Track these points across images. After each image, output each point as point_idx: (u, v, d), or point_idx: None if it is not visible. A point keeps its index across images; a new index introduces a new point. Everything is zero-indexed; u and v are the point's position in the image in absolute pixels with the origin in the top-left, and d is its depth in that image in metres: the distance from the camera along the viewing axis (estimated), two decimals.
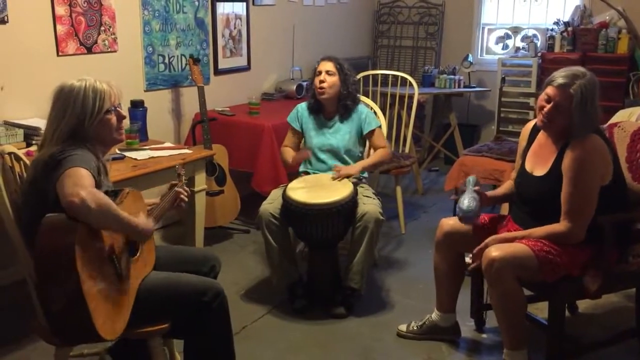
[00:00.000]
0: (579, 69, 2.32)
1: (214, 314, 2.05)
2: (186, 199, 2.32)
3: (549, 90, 2.30)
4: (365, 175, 3.31)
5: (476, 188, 2.50)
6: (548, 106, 2.30)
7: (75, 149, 1.87)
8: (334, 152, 3.18)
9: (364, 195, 2.98)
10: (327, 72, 3.10)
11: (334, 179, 3.01)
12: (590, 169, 2.25)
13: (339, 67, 3.13)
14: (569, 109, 2.25)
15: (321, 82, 3.09)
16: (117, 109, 2.04)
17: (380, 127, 3.25)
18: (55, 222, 1.75)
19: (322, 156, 3.19)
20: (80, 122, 1.93)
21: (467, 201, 2.43)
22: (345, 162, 3.17)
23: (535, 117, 2.53)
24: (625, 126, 2.61)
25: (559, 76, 2.29)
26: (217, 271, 2.33)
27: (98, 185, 1.86)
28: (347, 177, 3.03)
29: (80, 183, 1.74)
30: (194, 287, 2.05)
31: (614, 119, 3.04)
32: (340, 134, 3.18)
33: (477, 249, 2.36)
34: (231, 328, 2.17)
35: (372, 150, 3.30)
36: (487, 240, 2.36)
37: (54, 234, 1.74)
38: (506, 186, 2.66)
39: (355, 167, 3.10)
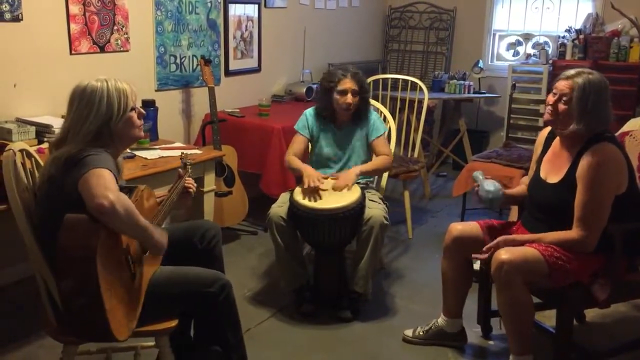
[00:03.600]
0: (591, 70, 2.34)
1: (221, 306, 2.07)
2: (194, 188, 2.34)
3: (556, 83, 2.36)
4: (371, 179, 3.30)
5: (488, 177, 2.58)
6: (553, 98, 2.33)
7: (95, 150, 1.87)
8: (345, 161, 3.15)
9: (369, 200, 2.98)
10: (353, 92, 3.06)
11: (334, 189, 2.93)
12: (605, 177, 2.24)
13: (361, 85, 3.09)
14: (571, 99, 2.27)
15: (348, 104, 3.05)
16: (138, 107, 2.07)
17: (384, 133, 3.19)
18: (78, 223, 1.76)
19: (333, 165, 3.17)
20: (107, 122, 1.95)
21: (491, 186, 2.50)
22: None
23: (544, 125, 2.53)
24: (637, 135, 2.60)
25: (566, 71, 2.35)
26: (210, 237, 2.31)
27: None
28: (346, 186, 2.93)
29: (108, 185, 1.75)
30: (200, 280, 2.08)
31: (625, 127, 3.02)
32: (352, 143, 3.15)
33: (488, 246, 2.36)
34: (239, 319, 2.19)
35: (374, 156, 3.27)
36: (498, 239, 2.35)
37: (76, 235, 1.75)
38: (520, 189, 2.65)
39: (353, 173, 3.00)
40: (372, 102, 3.46)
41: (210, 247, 2.32)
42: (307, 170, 3.02)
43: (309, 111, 3.25)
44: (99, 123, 1.93)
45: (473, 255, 2.42)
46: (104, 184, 1.75)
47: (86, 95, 1.95)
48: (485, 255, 2.36)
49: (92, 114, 1.93)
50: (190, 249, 2.28)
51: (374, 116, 3.21)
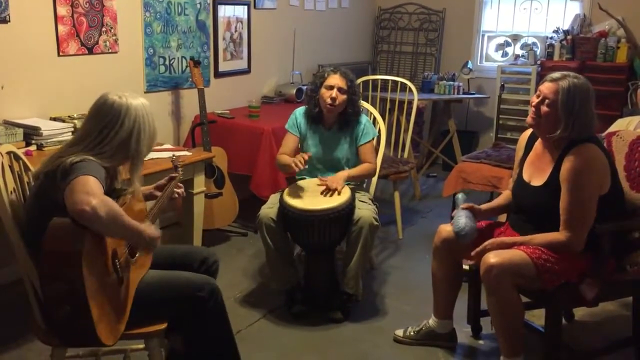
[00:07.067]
0: (576, 74, 2.35)
1: (211, 310, 2.07)
2: (183, 193, 2.34)
3: (541, 86, 2.36)
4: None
5: (464, 205, 2.53)
6: (537, 100, 2.34)
7: (89, 160, 1.86)
8: (332, 163, 3.15)
9: (359, 201, 2.98)
10: (339, 89, 3.03)
11: (322, 193, 2.93)
12: (588, 179, 2.26)
13: (350, 84, 3.07)
14: (556, 102, 2.27)
15: (332, 98, 3.03)
16: None
17: (373, 139, 3.19)
18: (62, 228, 1.74)
19: (320, 166, 3.17)
20: (144, 144, 1.97)
21: (462, 220, 2.44)
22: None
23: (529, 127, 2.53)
24: (624, 135, 2.62)
25: (553, 74, 2.35)
26: (209, 264, 2.30)
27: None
28: (336, 190, 2.92)
29: (90, 191, 1.72)
30: (189, 284, 2.07)
31: (613, 127, 3.05)
32: (340, 145, 3.15)
33: (476, 251, 2.37)
34: (229, 323, 2.18)
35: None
36: (486, 243, 2.36)
37: (61, 240, 1.73)
38: (503, 197, 2.65)
39: (341, 177, 3.01)
40: (363, 103, 3.46)
41: (209, 274, 2.28)
42: (293, 159, 3.00)
43: (299, 110, 3.24)
44: (145, 144, 1.97)
45: (464, 267, 2.44)
46: (87, 190, 1.72)
47: (130, 114, 1.94)
48: (473, 262, 2.38)
49: (134, 135, 1.94)
50: (188, 270, 2.26)
51: (364, 120, 3.19)
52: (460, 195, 2.60)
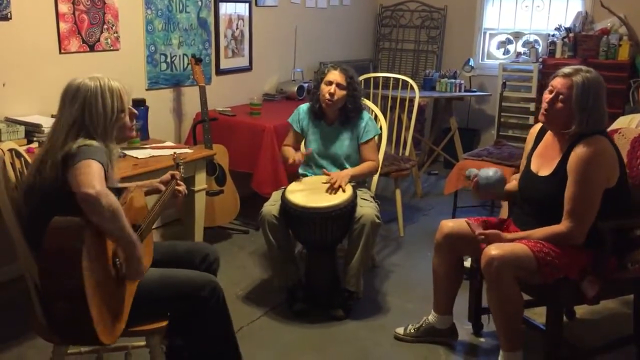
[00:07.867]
0: (587, 67, 2.34)
1: (212, 308, 2.07)
2: (185, 191, 2.35)
3: (553, 81, 2.34)
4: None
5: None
6: (550, 96, 2.32)
7: (91, 141, 1.86)
8: (333, 159, 3.16)
9: (361, 198, 2.98)
10: (338, 85, 3.05)
11: (328, 191, 2.92)
12: (595, 170, 2.25)
13: (350, 81, 3.07)
14: (570, 98, 2.26)
15: (331, 94, 3.04)
16: (130, 107, 2.05)
17: (375, 137, 3.18)
18: (63, 226, 1.73)
19: (322, 162, 3.17)
20: (99, 122, 1.93)
21: (490, 171, 2.46)
22: (344, 168, 3.13)
23: (535, 123, 2.53)
24: (626, 133, 2.61)
25: (564, 68, 2.33)
26: (211, 261, 2.29)
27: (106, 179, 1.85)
28: (339, 187, 2.93)
29: (95, 177, 1.73)
30: (191, 283, 2.07)
31: (614, 125, 3.05)
32: (341, 141, 3.16)
33: (481, 231, 2.37)
34: (231, 322, 2.18)
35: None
36: (491, 231, 2.36)
37: (62, 238, 1.72)
38: (513, 185, 2.65)
39: (346, 175, 3.00)
40: (365, 101, 3.46)
41: (210, 272, 2.28)
42: (293, 155, 3.06)
43: (303, 106, 3.26)
44: (94, 123, 1.92)
45: (466, 264, 2.43)
46: (91, 174, 1.73)
47: (80, 94, 1.92)
48: (477, 224, 2.40)
49: (87, 114, 1.91)
50: (189, 267, 2.25)
51: (366, 117, 3.19)
52: (473, 170, 2.58)
